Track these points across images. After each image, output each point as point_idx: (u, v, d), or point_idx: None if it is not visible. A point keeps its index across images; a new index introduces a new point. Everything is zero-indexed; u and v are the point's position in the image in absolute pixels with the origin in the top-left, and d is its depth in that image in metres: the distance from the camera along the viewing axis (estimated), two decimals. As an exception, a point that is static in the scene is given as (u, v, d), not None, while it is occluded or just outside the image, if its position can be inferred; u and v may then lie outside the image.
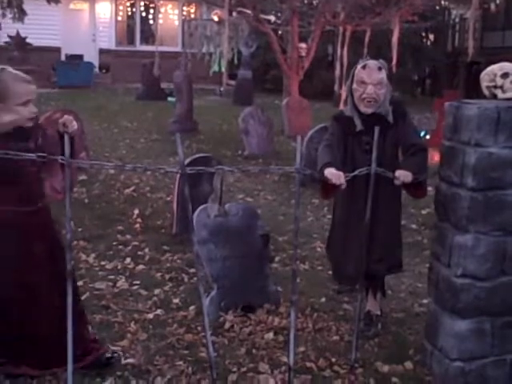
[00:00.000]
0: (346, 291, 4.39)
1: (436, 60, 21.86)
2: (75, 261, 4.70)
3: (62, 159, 2.71)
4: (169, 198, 6.40)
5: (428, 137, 11.40)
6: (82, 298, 4.07)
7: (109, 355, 3.26)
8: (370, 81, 3.42)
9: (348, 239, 3.65)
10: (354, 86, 3.49)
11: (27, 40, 18.95)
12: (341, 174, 3.22)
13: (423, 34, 22.32)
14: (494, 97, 3.24)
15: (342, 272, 3.86)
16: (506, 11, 20.12)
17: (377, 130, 3.08)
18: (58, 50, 20.86)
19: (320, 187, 3.44)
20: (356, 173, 3.19)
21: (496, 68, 3.21)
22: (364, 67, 3.46)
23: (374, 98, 3.44)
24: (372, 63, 3.48)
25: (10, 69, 2.90)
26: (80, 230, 5.47)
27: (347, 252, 3.65)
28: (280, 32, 14.45)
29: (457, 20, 23.74)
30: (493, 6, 15.89)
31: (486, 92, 3.28)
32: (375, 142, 3.09)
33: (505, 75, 3.17)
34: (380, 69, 3.45)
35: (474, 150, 2.97)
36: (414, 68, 20.80)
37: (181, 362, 3.30)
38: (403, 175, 3.29)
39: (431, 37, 23.93)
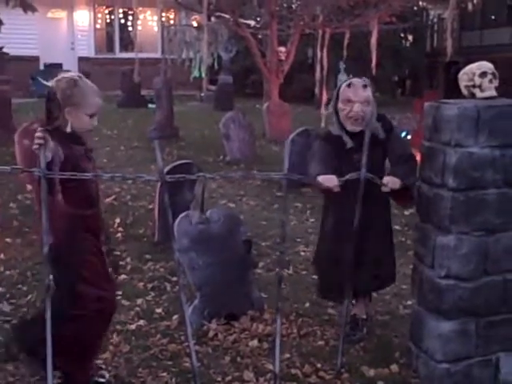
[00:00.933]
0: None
1: (415, 61, 22.00)
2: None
3: (38, 171, 2.65)
4: (151, 206, 6.33)
5: (409, 137, 11.44)
6: (63, 310, 4.03)
7: (101, 380, 3.18)
8: (357, 99, 3.41)
9: (339, 253, 3.52)
10: (340, 105, 3.48)
11: (4, 50, 18.73)
12: (333, 177, 3.25)
13: (402, 35, 22.45)
14: (473, 96, 3.22)
15: (329, 288, 3.76)
16: (482, 10, 20.34)
17: (367, 133, 3.08)
18: (36, 59, 20.63)
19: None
20: (347, 177, 3.19)
21: (474, 67, 3.20)
22: (349, 85, 3.46)
23: (361, 116, 3.43)
24: (357, 81, 3.47)
25: (85, 81, 2.96)
26: (60, 240, 5.38)
27: (338, 266, 3.52)
28: (259, 36, 14.44)
29: (435, 20, 23.95)
30: (470, 6, 16.02)
31: (464, 91, 3.27)
32: (365, 149, 3.07)
33: (483, 74, 3.16)
34: (365, 86, 3.45)
35: (455, 151, 2.96)
36: (393, 69, 20.90)
37: (164, 374, 3.25)
38: (391, 182, 3.28)
39: (410, 38, 24.09)
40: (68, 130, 2.90)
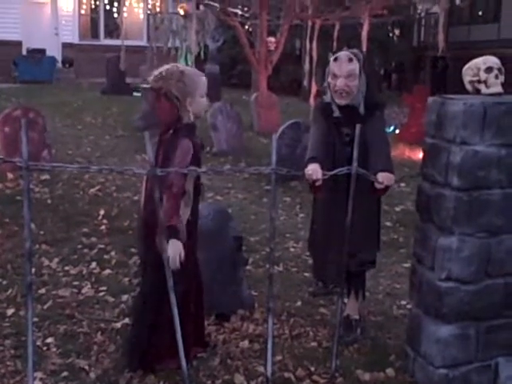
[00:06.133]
0: (321, 294, 4.24)
1: (402, 55, 21.95)
2: (37, 266, 4.46)
3: (19, 161, 2.48)
4: (136, 198, 6.16)
5: (397, 131, 11.39)
6: (45, 306, 3.87)
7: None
8: (340, 73, 3.35)
9: (329, 236, 3.52)
10: (329, 79, 3.42)
11: (-14, 33, 18.37)
12: (318, 170, 3.12)
13: (389, 29, 22.37)
14: (477, 92, 3.10)
15: (322, 270, 3.71)
16: (470, 6, 20.32)
17: (358, 127, 2.94)
18: (19, 44, 20.22)
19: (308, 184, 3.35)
20: (335, 172, 3.05)
21: (479, 62, 3.07)
22: (336, 60, 3.39)
23: (344, 90, 3.34)
24: (343, 55, 3.39)
25: (187, 67, 3.13)
26: (42, 232, 5.20)
27: (329, 249, 3.52)
28: (247, 26, 14.25)
29: (422, 15, 23.87)
30: (458, 1, 15.95)
31: (468, 87, 3.14)
32: (356, 139, 2.95)
33: (489, 69, 3.03)
34: (351, 60, 3.36)
35: (460, 148, 2.84)
36: (380, 62, 20.83)
37: (152, 376, 3.10)
38: (387, 178, 3.13)
39: (397, 31, 24.02)
40: (191, 120, 2.99)
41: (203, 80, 3.04)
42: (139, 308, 3.17)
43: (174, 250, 2.82)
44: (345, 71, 3.33)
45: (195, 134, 3.04)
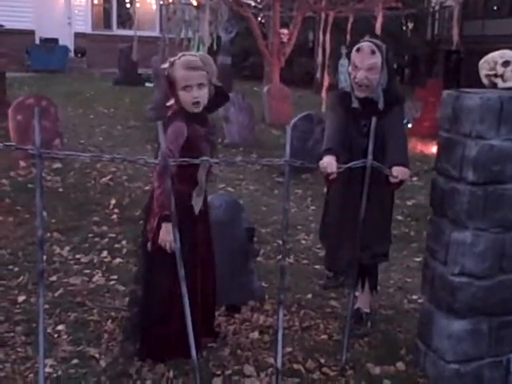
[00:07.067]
0: (332, 287, 4.24)
1: (415, 48, 21.81)
2: (48, 254, 4.47)
3: (31, 149, 2.48)
4: (147, 188, 6.16)
5: (410, 125, 11.32)
6: (56, 294, 3.88)
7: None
8: (361, 65, 3.28)
9: (343, 227, 3.51)
10: (350, 69, 3.37)
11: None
12: (333, 162, 3.06)
13: (403, 22, 22.23)
14: (494, 86, 3.06)
15: (335, 260, 3.72)
16: (485, 0, 20.16)
17: (373, 120, 2.91)
18: (32, 33, 20.26)
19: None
20: (350, 165, 3.02)
21: (496, 56, 3.04)
22: (358, 50, 3.30)
23: (364, 83, 3.29)
24: (366, 46, 3.30)
25: (186, 56, 3.02)
26: (53, 221, 5.21)
27: (342, 240, 3.52)
28: (260, 18, 14.19)
29: (436, 8, 23.70)
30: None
31: (484, 81, 3.11)
32: (372, 132, 2.91)
33: (506, 63, 3.00)
34: (374, 52, 3.28)
35: (475, 143, 2.80)
36: (393, 56, 20.67)
37: (161, 365, 3.10)
38: (401, 173, 3.09)
39: (411, 25, 23.89)
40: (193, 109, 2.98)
41: (183, 74, 2.95)
42: (146, 297, 3.15)
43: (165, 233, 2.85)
44: (366, 64, 3.26)
45: (199, 122, 2.99)
